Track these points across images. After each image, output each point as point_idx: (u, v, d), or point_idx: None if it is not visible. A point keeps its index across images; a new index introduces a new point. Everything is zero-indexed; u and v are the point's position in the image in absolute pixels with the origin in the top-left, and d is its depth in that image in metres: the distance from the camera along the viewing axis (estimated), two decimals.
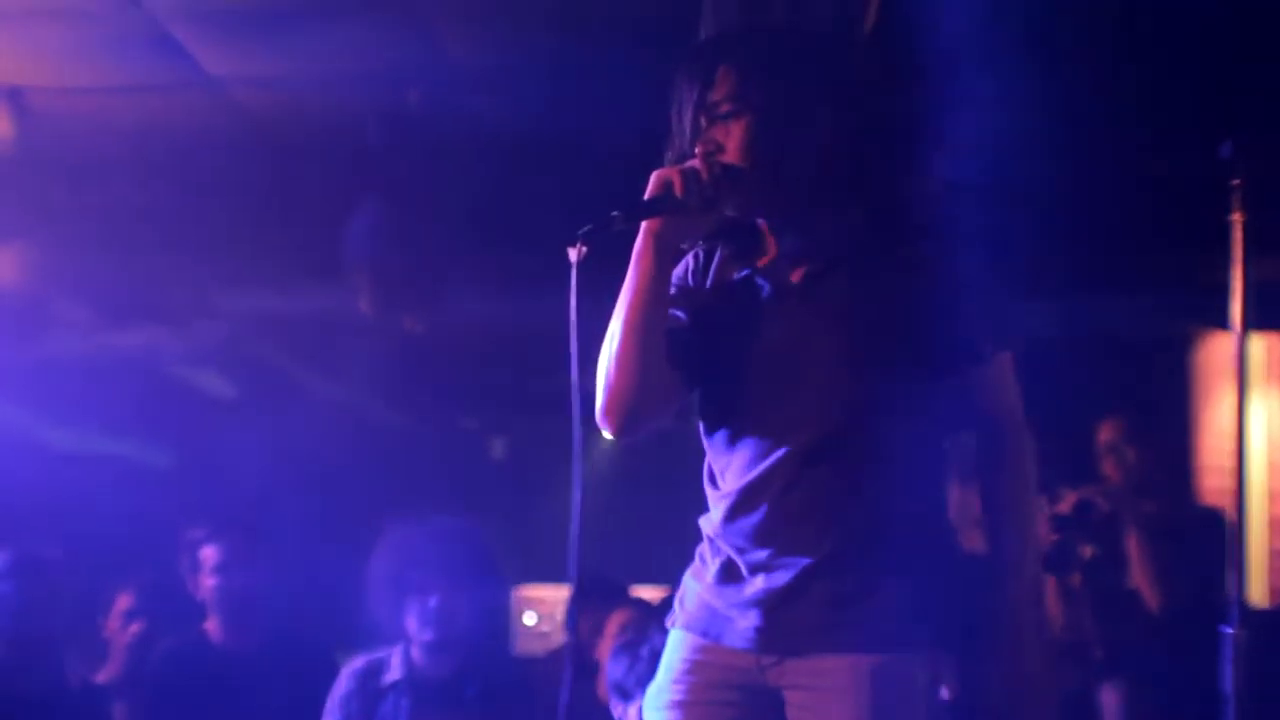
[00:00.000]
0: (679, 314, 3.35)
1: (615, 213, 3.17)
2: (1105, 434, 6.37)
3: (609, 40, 5.58)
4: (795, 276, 3.26)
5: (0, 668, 5.82)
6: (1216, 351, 7.71)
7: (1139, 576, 6.01)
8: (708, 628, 3.29)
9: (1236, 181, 3.47)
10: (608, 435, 3.32)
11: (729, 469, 3.30)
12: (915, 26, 4.41)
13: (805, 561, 3.17)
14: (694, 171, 3.17)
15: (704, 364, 3.32)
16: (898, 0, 4.43)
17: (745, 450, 3.26)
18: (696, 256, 3.40)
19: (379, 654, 5.61)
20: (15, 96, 6.30)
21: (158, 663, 6.11)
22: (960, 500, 7.34)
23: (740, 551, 3.25)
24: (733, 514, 3.26)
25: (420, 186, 6.38)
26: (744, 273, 3.33)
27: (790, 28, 3.44)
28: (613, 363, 3.25)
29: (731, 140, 3.19)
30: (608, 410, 3.27)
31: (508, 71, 6.03)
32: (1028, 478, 3.23)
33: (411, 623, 5.50)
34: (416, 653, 5.50)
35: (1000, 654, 3.17)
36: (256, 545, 6.15)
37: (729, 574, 3.27)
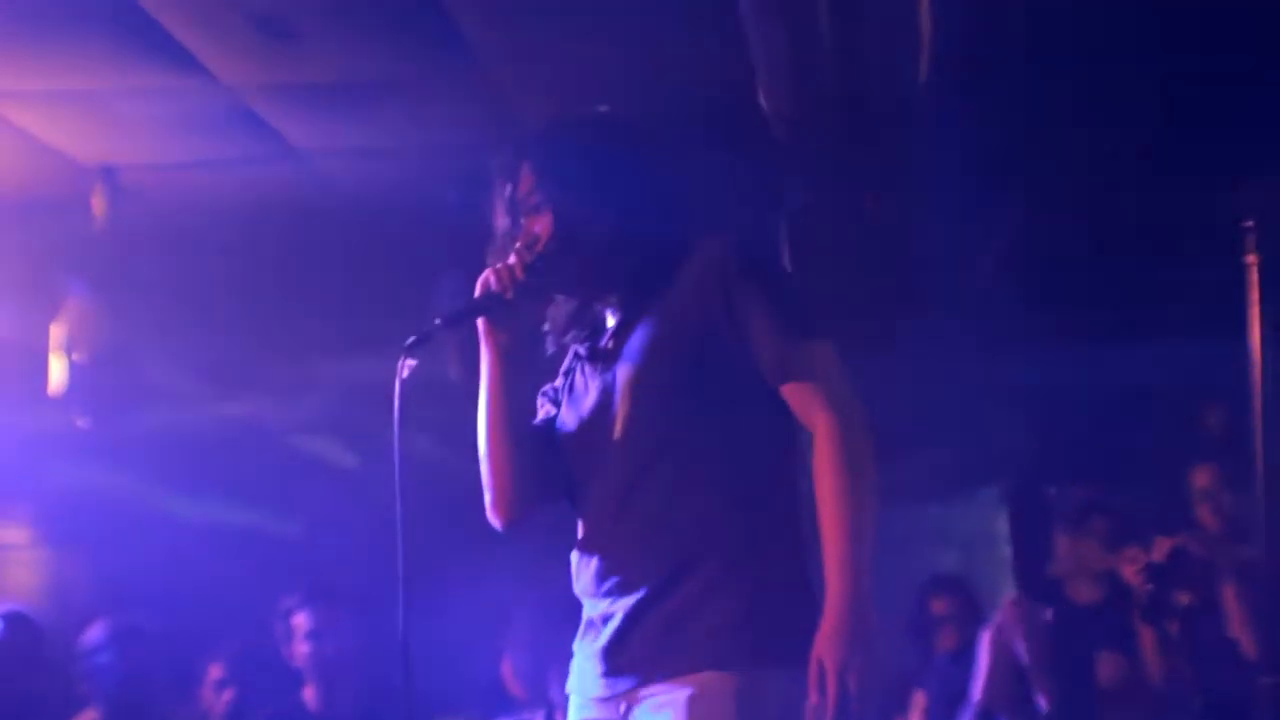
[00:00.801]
0: (551, 407, 3.46)
1: (437, 320, 3.25)
2: (1200, 480, 6.28)
3: (676, 112, 5.64)
4: (607, 341, 3.36)
5: None
6: None
7: (1237, 625, 5.92)
8: (580, 684, 3.35)
9: (1250, 224, 3.43)
10: (498, 528, 3.40)
11: (576, 529, 3.39)
12: (967, 78, 4.43)
13: (635, 597, 3.21)
14: (509, 267, 3.27)
15: (559, 447, 3.40)
16: (949, 55, 4.44)
17: (581, 508, 3.35)
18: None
19: (523, 717, 5.64)
20: (109, 174, 6.42)
21: None
22: (1070, 549, 7.29)
23: (592, 606, 3.32)
24: (579, 570, 3.34)
25: None
26: (575, 350, 3.44)
27: (586, 118, 3.47)
28: (484, 463, 3.37)
29: (542, 230, 3.29)
30: (491, 507, 3.39)
31: None
32: (852, 468, 3.14)
33: (555, 691, 5.53)
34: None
35: (828, 649, 3.08)
36: (349, 612, 6.18)
37: (588, 628, 3.34)
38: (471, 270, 6.61)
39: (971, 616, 7.12)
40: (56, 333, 6.75)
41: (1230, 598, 5.92)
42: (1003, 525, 10.08)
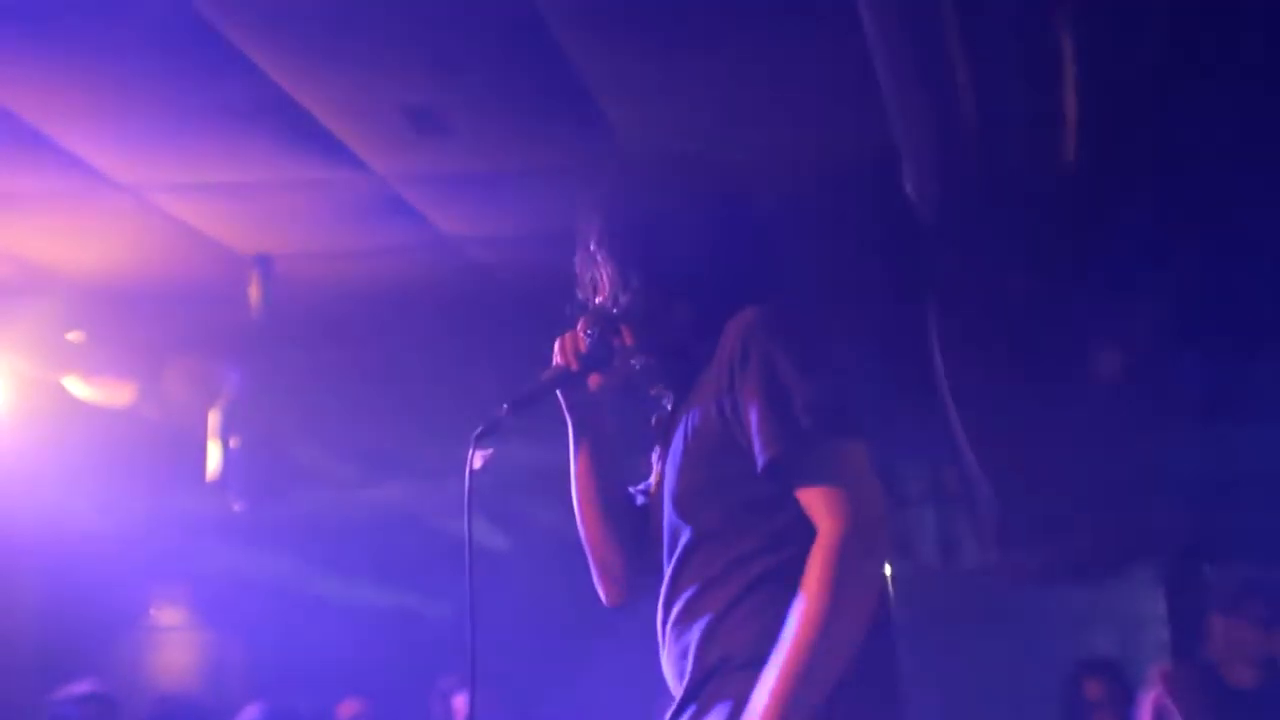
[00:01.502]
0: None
1: (505, 405, 3.04)
2: None
3: (822, 194, 5.65)
4: (661, 420, 3.15)
5: None
6: None
7: None
8: None
9: None
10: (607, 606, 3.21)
11: None
12: (1115, 161, 4.41)
13: (677, 700, 2.99)
14: (573, 337, 3.10)
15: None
16: (1096, 136, 4.41)
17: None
18: None
19: None
20: (264, 264, 6.53)
21: None
22: (1224, 630, 7.18)
23: None
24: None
25: None
26: (652, 422, 3.20)
27: (652, 162, 3.27)
28: (584, 543, 3.22)
29: (609, 284, 3.11)
30: (598, 584, 3.22)
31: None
32: (833, 590, 2.76)
33: None
34: None
35: None
36: (508, 693, 6.20)
37: None
38: None
39: (1125, 700, 7.02)
40: (214, 419, 6.87)
41: None
42: (1159, 606, 9.97)
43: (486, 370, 7.16)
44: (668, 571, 3.03)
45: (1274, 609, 7.16)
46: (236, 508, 6.95)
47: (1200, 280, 5.53)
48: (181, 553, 8.58)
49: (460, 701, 6.24)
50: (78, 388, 6.95)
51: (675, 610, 3.00)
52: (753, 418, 2.88)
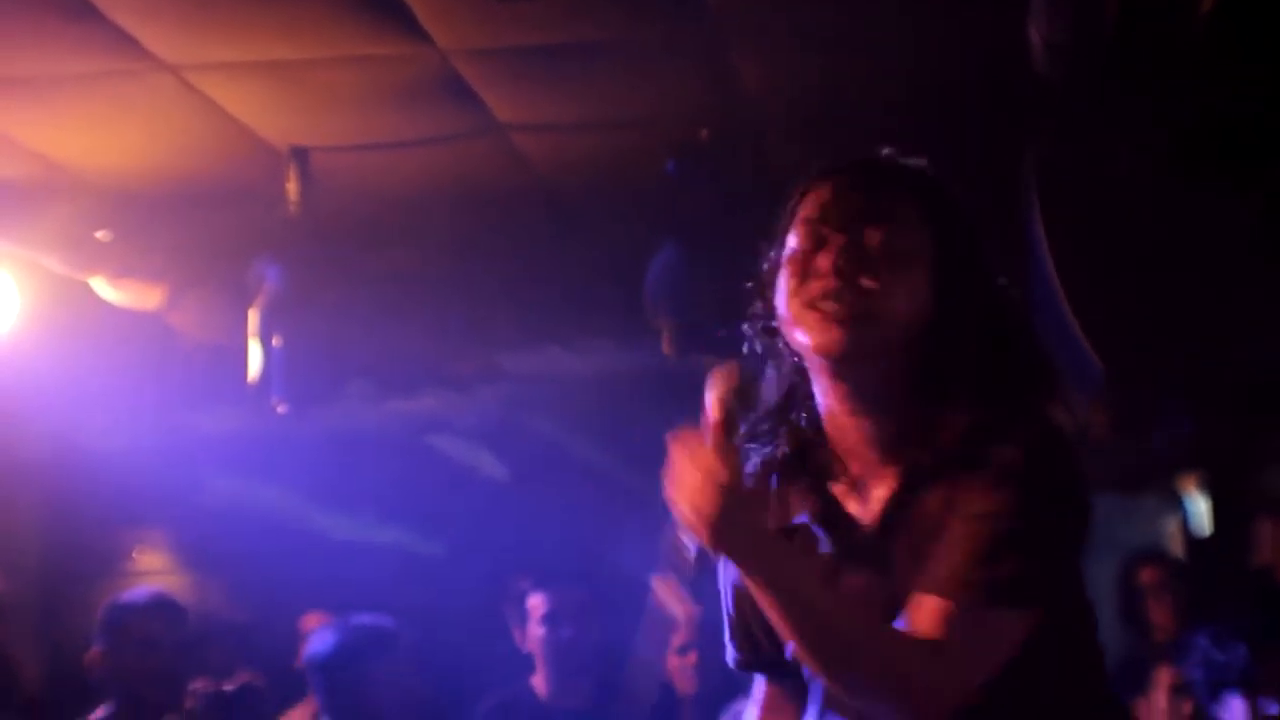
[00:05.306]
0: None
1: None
2: None
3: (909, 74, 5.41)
4: (871, 517, 2.65)
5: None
6: None
7: None
8: None
9: None
10: None
11: None
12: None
13: None
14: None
15: None
16: None
17: None
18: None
19: None
20: (301, 156, 6.19)
21: (483, 716, 5.98)
22: (1273, 535, 7.02)
23: None
24: None
25: (715, 225, 6.17)
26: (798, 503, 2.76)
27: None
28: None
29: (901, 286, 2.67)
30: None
31: (803, 104, 5.86)
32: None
33: None
34: None
35: None
36: (584, 597, 6.01)
37: None
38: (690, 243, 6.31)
39: (1178, 583, 6.98)
40: (253, 318, 6.57)
41: None
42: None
43: (533, 270, 6.88)
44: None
45: None
46: (280, 410, 6.65)
47: None
48: (173, 484, 8.29)
49: (536, 600, 6.01)
50: (105, 289, 6.64)
51: None
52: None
